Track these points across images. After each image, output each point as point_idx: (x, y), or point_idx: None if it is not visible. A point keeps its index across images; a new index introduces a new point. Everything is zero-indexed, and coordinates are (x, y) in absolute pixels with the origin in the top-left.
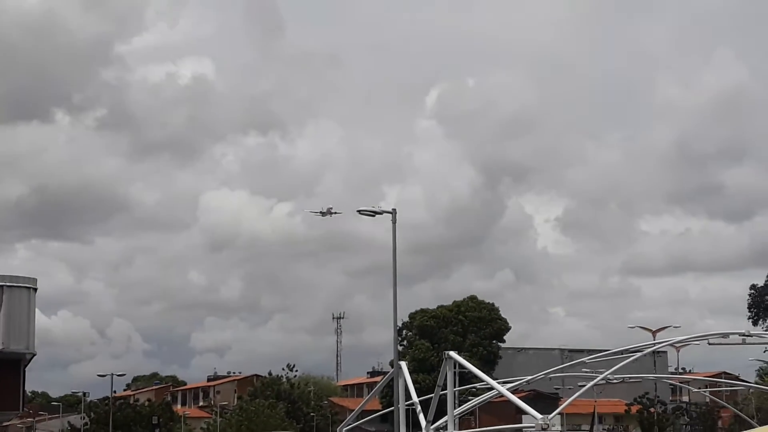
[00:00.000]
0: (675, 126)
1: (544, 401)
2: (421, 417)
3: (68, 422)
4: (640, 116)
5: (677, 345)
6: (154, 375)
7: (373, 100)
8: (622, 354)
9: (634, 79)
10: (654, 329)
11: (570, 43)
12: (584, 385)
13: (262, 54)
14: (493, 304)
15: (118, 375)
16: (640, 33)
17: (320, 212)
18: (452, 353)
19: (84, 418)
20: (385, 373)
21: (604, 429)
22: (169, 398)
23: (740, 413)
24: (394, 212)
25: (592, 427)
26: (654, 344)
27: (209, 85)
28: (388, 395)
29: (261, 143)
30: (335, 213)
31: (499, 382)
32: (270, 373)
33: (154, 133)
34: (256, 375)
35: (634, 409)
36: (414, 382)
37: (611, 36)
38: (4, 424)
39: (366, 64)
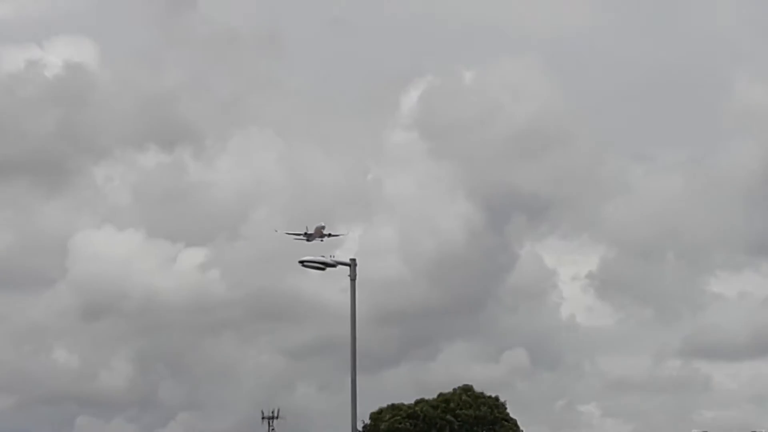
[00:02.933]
0: (760, 142)
1: None
2: None
3: None
4: (710, 129)
5: None
6: None
7: (326, 101)
8: None
9: (700, 76)
10: None
11: (609, 23)
12: None
13: (167, 35)
14: (497, 399)
15: None
16: (707, 12)
17: (303, 234)
18: None
19: None
20: None
21: None
22: None
23: None
24: (353, 264)
25: None
26: None
27: (90, 79)
28: None
29: (164, 163)
30: (330, 236)
31: None
32: None
33: (8, 147)
34: None
35: None
36: None
37: (667, 16)
38: None
39: (318, 50)
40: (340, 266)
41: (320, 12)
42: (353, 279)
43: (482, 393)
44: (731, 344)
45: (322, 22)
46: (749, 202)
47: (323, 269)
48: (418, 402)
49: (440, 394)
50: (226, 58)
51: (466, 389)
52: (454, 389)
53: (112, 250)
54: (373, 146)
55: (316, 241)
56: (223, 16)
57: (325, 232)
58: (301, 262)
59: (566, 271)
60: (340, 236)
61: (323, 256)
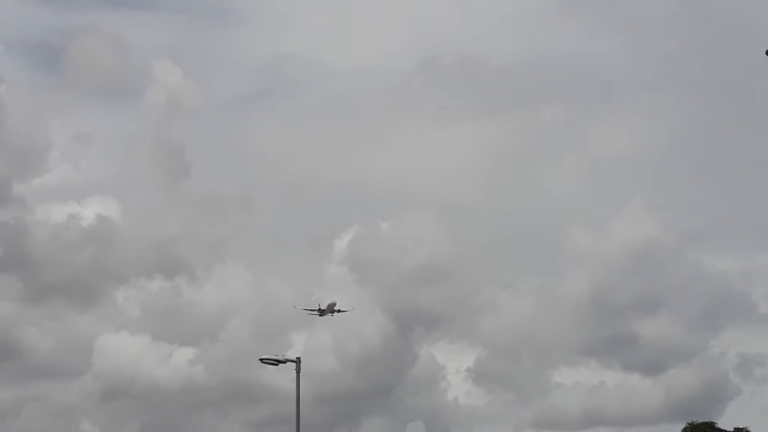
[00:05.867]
0: (588, 276)
1: None
2: None
3: None
4: (554, 265)
5: None
6: None
7: (282, 244)
8: None
9: (546, 226)
10: None
11: (482, 188)
12: None
13: (168, 196)
14: None
15: None
16: (551, 180)
17: (317, 310)
18: None
19: None
20: None
21: None
22: None
23: None
24: (298, 361)
25: None
26: None
27: (114, 227)
28: None
29: (166, 287)
30: (340, 311)
31: None
32: None
33: (53, 276)
34: None
35: None
36: None
37: (523, 182)
38: None
39: (277, 206)
40: (289, 362)
41: (281, 178)
42: (298, 372)
43: None
44: (569, 419)
45: (282, 186)
46: (581, 318)
47: (277, 365)
48: None
49: None
50: (212, 212)
51: None
52: None
53: (126, 350)
54: (316, 276)
55: (327, 316)
56: (211, 182)
57: (336, 308)
58: (261, 359)
59: (452, 366)
60: (347, 312)
61: (277, 355)
